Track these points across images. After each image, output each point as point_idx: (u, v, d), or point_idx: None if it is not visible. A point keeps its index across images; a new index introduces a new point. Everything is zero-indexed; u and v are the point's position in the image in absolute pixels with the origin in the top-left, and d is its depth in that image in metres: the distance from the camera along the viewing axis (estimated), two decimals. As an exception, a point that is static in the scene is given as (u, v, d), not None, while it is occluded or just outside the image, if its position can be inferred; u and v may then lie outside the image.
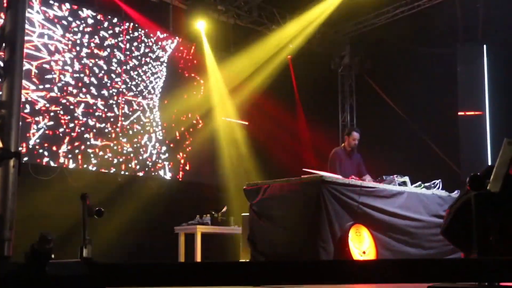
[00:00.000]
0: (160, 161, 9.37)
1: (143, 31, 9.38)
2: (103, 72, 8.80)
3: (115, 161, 8.78)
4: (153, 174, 9.24)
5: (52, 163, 8.01)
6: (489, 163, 8.98)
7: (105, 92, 8.80)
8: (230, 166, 10.22)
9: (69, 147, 8.23)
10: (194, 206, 8.76)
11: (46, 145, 7.98)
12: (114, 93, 8.90)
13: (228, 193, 9.77)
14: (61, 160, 8.12)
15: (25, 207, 5.95)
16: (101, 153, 8.60)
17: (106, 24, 8.95)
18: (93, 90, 8.64)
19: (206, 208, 8.51)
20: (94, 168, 8.49)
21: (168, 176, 9.45)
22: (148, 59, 9.43)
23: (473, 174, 3.25)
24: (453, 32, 9.79)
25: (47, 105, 8.05)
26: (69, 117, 8.30)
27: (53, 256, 2.45)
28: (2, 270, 2.48)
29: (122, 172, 8.84)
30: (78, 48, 8.54)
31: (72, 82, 8.39)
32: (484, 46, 9.48)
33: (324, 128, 11.14)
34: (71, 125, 8.32)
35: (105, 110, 8.77)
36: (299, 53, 11.05)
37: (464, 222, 3.73)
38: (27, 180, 7.02)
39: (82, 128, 8.44)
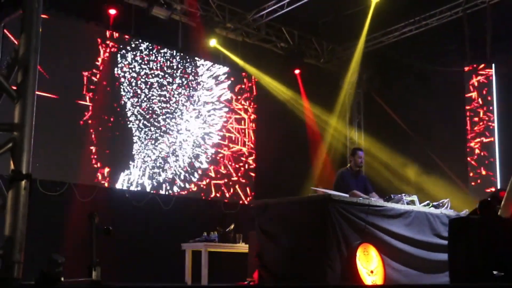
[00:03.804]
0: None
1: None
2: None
3: (123, 176, 8.80)
4: (161, 190, 9.24)
5: (60, 178, 8.04)
6: (498, 182, 8.92)
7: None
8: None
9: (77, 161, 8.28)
10: (201, 222, 8.74)
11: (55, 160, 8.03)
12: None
13: (235, 210, 9.76)
14: (70, 175, 8.16)
15: (33, 223, 5.96)
16: (107, 168, 8.63)
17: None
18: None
19: (213, 225, 8.49)
20: (102, 184, 8.51)
21: (176, 192, 9.44)
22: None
23: (483, 199, 3.25)
24: (461, 50, 9.80)
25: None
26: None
27: (62, 279, 2.46)
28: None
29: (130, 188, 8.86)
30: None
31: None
32: (493, 64, 9.47)
33: (331, 146, 11.13)
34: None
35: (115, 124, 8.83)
36: (307, 69, 11.09)
37: (459, 243, 3.74)
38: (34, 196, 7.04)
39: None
